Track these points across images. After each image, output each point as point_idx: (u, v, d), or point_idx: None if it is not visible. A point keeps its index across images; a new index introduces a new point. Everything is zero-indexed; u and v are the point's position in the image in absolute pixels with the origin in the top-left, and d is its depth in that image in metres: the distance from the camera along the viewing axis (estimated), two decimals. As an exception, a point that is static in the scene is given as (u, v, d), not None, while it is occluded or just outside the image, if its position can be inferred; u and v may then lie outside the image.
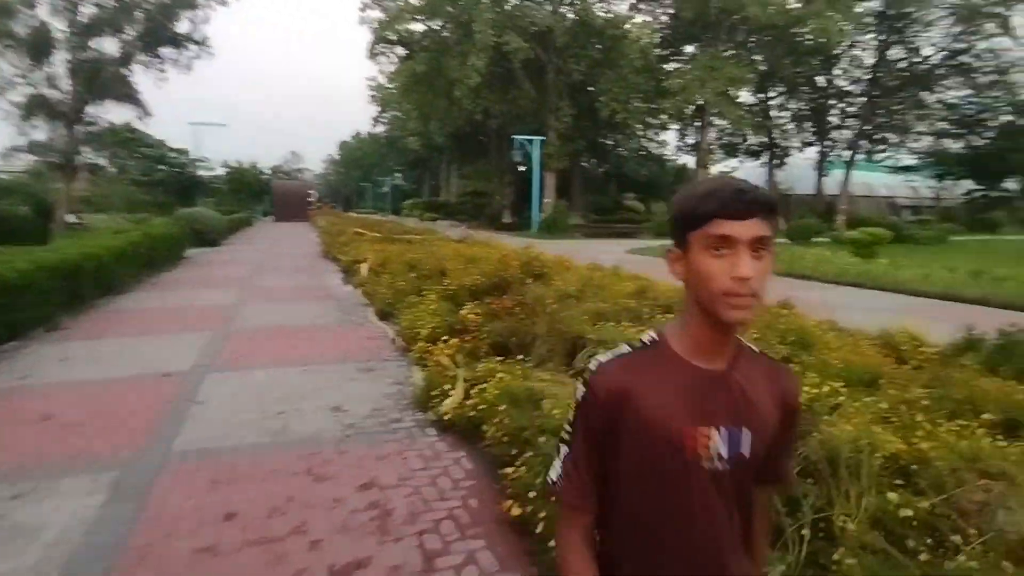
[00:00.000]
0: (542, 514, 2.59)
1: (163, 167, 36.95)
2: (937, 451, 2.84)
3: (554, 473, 0.99)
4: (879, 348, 5.37)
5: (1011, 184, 45.30)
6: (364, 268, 10.55)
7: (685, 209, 0.89)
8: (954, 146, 42.08)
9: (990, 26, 32.75)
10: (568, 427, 0.99)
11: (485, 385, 4.08)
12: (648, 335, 0.99)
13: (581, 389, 0.96)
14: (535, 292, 6.81)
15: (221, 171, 50.49)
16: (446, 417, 3.94)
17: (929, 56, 35.87)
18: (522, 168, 33.17)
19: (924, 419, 3.33)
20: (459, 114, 31.52)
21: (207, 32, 26.77)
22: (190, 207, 25.45)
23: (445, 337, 5.49)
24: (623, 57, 27.50)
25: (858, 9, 31.36)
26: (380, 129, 59.97)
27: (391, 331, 6.78)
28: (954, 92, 38.24)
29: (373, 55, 33.26)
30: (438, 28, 30.97)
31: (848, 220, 33.66)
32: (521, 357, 4.87)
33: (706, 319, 0.89)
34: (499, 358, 4.87)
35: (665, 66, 32.46)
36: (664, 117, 32.45)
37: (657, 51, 31.00)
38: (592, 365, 0.97)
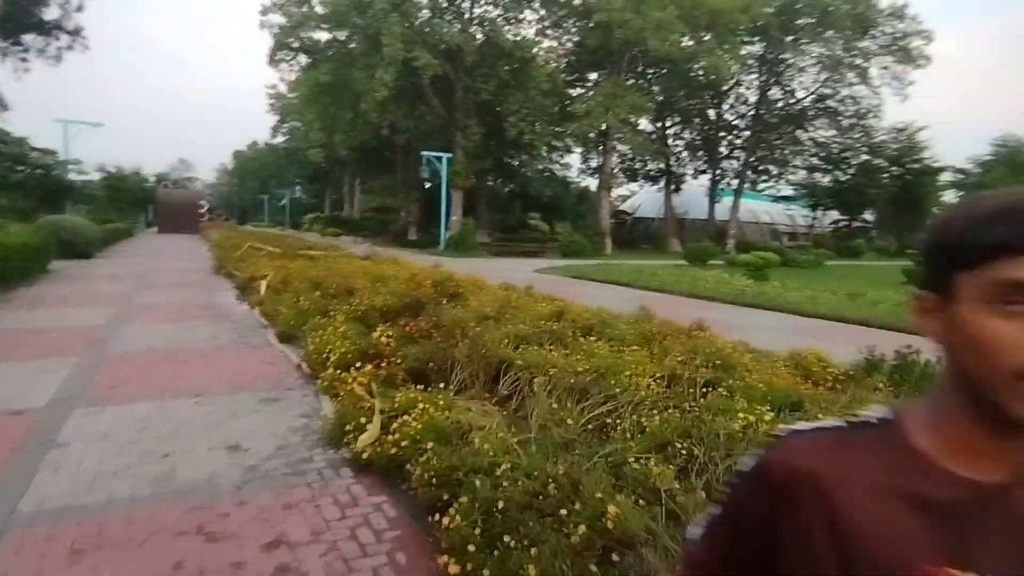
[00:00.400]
0: (486, 572, 2.29)
1: (23, 168, 32.88)
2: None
3: (697, 529, 0.74)
4: (791, 369, 5.57)
5: (868, 215, 50.96)
6: (263, 286, 9.75)
7: (954, 236, 0.58)
8: (823, 180, 46.75)
9: (851, 75, 36.80)
10: (727, 489, 0.72)
11: (405, 418, 3.73)
12: (875, 412, 0.66)
13: (752, 457, 0.68)
14: (452, 314, 6.50)
15: (97, 176, 45.97)
16: (363, 455, 3.54)
17: (802, 98, 39.70)
18: (429, 184, 32.80)
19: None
20: (365, 127, 30.68)
21: (81, 21, 24.26)
22: (58, 214, 22.74)
23: (358, 363, 5.05)
24: (531, 80, 28.01)
25: (743, 51, 34.09)
26: (279, 139, 57.43)
27: (295, 356, 6.20)
28: (823, 132, 42.63)
29: (274, 62, 31.72)
30: (344, 39, 30.11)
31: (737, 244, 36.18)
32: (443, 385, 4.55)
33: (978, 408, 0.58)
34: (418, 386, 4.53)
35: (571, 91, 33.53)
36: (569, 140, 33.39)
37: (563, 76, 31.95)
38: (781, 431, 0.68)
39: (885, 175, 46.33)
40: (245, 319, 8.47)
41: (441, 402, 3.98)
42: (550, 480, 2.72)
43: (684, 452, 3.12)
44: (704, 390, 4.57)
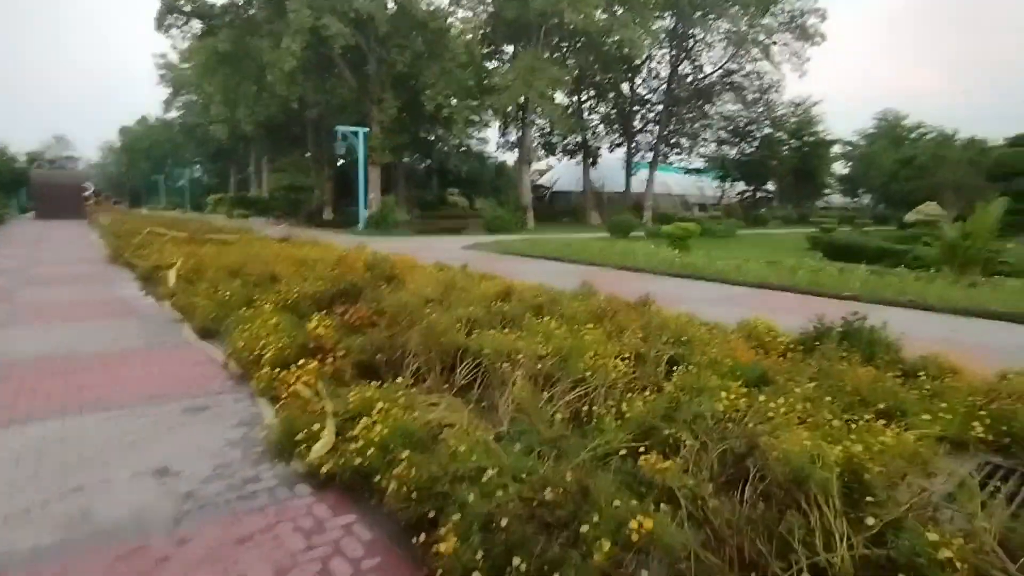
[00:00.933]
0: (500, 608, 1.98)
1: None
2: (867, 453, 2.76)
3: None
4: (744, 340, 5.56)
5: (771, 186, 54.00)
6: (172, 275, 8.80)
7: None
8: (731, 152, 48.93)
9: (754, 51, 38.39)
10: None
11: (366, 420, 3.32)
12: None
13: None
14: (395, 299, 6.05)
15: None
16: (322, 468, 3.10)
17: (710, 73, 41.07)
18: (343, 162, 31.33)
19: (832, 417, 3.34)
20: (272, 101, 28.74)
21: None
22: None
23: (298, 359, 4.53)
24: (447, 51, 27.13)
25: (656, 26, 34.64)
26: (174, 114, 53.01)
27: (220, 354, 5.55)
28: (730, 106, 44.44)
29: (163, 27, 28.88)
30: (243, 3, 27.86)
31: (653, 216, 37.25)
32: (397, 379, 4.15)
33: None
34: (370, 382, 4.10)
35: (488, 64, 32.88)
36: (488, 114, 32.84)
37: (480, 48, 31.21)
38: None
39: (786, 147, 49.11)
40: (154, 314, 7.58)
41: (402, 399, 3.60)
42: (549, 487, 2.43)
43: (685, 441, 2.91)
44: (669, 368, 4.45)
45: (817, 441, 2.69)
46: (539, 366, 4.21)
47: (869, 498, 2.36)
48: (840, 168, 57.59)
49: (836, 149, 54.14)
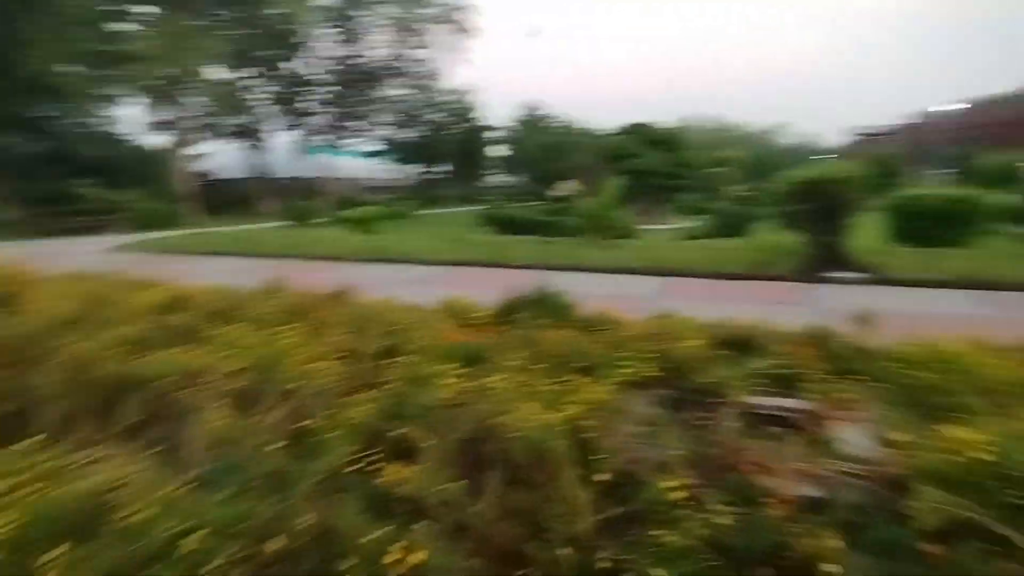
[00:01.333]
0: None
1: None
2: (584, 413, 3.00)
3: None
4: (449, 319, 5.69)
5: (444, 167, 57.96)
6: None
7: None
8: (404, 136, 50.72)
9: (416, 39, 40.24)
10: None
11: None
12: None
13: None
14: (14, 326, 4.50)
15: None
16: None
17: (378, 58, 41.62)
18: None
19: (547, 383, 3.59)
20: None
21: None
22: None
23: None
24: (55, 3, 21.47)
25: (317, 3, 33.35)
26: None
27: None
28: (398, 91, 45.81)
29: None
30: None
31: (333, 200, 36.40)
32: (37, 437, 3.05)
33: None
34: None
35: (119, 25, 27.18)
36: (124, 87, 27.31)
37: (109, 7, 25.57)
38: None
39: (452, 132, 52.99)
40: None
41: (44, 465, 2.64)
42: (278, 535, 2.01)
43: (418, 439, 2.76)
44: (384, 361, 4.27)
45: (542, 410, 2.83)
46: (234, 384, 3.60)
47: (595, 456, 2.56)
48: (502, 151, 64.71)
49: (496, 134, 60.54)
